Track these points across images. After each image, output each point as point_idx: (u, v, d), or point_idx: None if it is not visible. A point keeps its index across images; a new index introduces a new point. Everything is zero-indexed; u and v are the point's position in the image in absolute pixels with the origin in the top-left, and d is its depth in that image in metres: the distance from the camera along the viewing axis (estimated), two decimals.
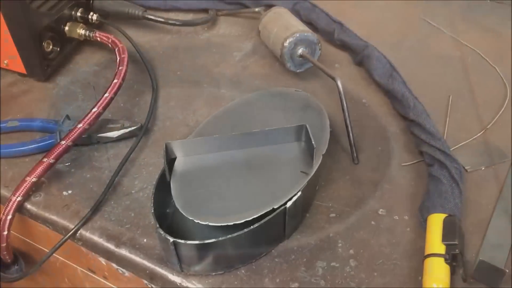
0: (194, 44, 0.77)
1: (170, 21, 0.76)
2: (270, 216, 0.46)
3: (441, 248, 0.47)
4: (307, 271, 0.48)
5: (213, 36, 0.79)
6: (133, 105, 0.66)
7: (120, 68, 0.63)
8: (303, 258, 0.49)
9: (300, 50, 0.65)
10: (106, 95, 0.59)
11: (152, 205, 0.48)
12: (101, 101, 0.59)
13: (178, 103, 0.66)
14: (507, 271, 0.44)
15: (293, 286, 0.47)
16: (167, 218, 0.51)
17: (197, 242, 0.44)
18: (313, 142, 0.49)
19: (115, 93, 0.60)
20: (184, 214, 0.47)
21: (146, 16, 0.75)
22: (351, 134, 0.57)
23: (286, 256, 0.49)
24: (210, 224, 0.46)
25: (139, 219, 0.52)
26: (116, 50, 0.67)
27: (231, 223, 0.45)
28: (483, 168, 0.57)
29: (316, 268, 0.48)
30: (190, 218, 0.46)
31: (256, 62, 0.73)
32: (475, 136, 0.61)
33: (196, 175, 0.51)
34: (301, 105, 0.57)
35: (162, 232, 0.45)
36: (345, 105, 0.56)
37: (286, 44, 0.64)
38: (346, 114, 0.56)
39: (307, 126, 0.51)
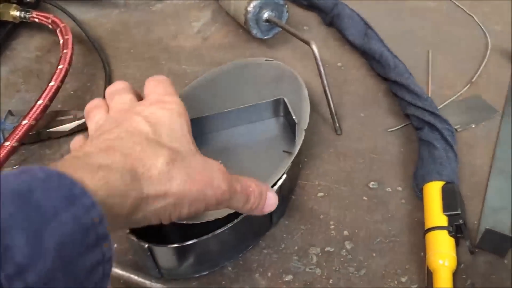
0: (146, 17, 0.69)
1: None
2: None
3: (443, 220, 0.43)
4: (300, 260, 0.44)
5: (166, 6, 0.71)
6: (84, 91, 0.59)
7: (64, 51, 0.55)
8: (294, 246, 0.45)
9: (266, 14, 0.59)
10: (52, 83, 0.52)
11: None
12: (47, 91, 0.51)
13: (135, 84, 0.58)
14: None
15: (287, 279, 0.42)
16: None
17: (175, 245, 0.39)
18: (294, 117, 0.44)
19: (62, 81, 0.53)
20: None
21: None
22: (331, 103, 0.52)
23: (276, 246, 0.45)
24: (189, 222, 0.40)
25: None
26: (58, 31, 0.59)
27: (213, 219, 0.40)
28: (473, 126, 0.53)
29: (309, 255, 0.44)
30: None
31: (217, 31, 0.66)
32: (461, 92, 0.57)
33: None
34: (274, 75, 0.51)
35: (134, 238, 0.39)
36: (322, 71, 0.50)
37: (250, 8, 0.58)
38: (325, 81, 0.51)
39: (285, 99, 0.46)
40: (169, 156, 0.33)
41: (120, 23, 0.68)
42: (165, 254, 0.40)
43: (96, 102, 0.40)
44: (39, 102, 0.50)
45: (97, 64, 0.62)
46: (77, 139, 0.39)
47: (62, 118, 0.53)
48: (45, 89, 0.51)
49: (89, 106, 0.40)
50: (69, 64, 0.54)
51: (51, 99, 0.51)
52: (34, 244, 0.22)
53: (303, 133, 0.45)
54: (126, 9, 0.71)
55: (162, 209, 0.32)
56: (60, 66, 0.53)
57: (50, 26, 0.61)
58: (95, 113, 0.39)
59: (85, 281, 0.25)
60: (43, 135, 0.53)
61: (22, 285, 0.22)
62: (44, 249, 0.23)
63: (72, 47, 0.56)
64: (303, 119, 0.46)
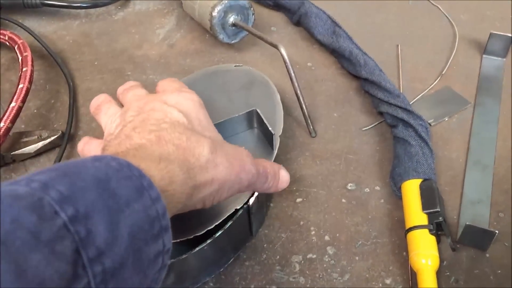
0: (108, 26, 0.67)
1: (74, 4, 0.65)
2: (233, 219, 0.40)
3: (422, 219, 0.43)
4: (282, 269, 0.43)
5: (128, 14, 0.69)
6: (49, 109, 0.57)
7: (24, 69, 0.53)
8: (276, 255, 0.44)
9: (232, 19, 0.57)
10: (12, 104, 0.50)
11: None
12: (8, 113, 0.49)
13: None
14: (496, 232, 0.40)
15: None
16: None
17: None
18: (270, 129, 0.43)
19: (24, 100, 0.51)
20: None
21: (45, 2, 0.64)
22: (304, 106, 0.51)
23: (257, 257, 0.44)
24: None
25: None
26: (16, 47, 0.56)
27: (191, 236, 0.39)
28: (446, 119, 0.53)
29: (292, 264, 0.43)
30: None
31: (183, 37, 0.65)
32: (432, 85, 0.57)
33: None
34: (245, 82, 0.50)
35: None
36: (293, 74, 0.50)
37: (214, 13, 0.56)
38: (296, 84, 0.50)
39: (258, 110, 0.44)
40: (211, 144, 0.34)
41: (82, 34, 0.66)
42: None
43: (103, 96, 0.41)
44: (1, 124, 0.48)
45: (60, 80, 0.59)
46: (86, 139, 0.41)
47: (27, 139, 0.51)
48: (6, 110, 0.49)
49: (96, 101, 0.41)
50: (30, 82, 0.52)
51: (13, 121, 0.49)
52: (112, 230, 0.24)
53: (278, 140, 0.44)
54: (87, 19, 0.68)
55: (209, 195, 0.34)
56: (20, 86, 0.51)
57: (7, 43, 0.58)
58: (107, 107, 0.40)
59: (148, 269, 0.26)
60: (7, 159, 0.51)
61: (100, 269, 0.23)
62: (120, 236, 0.24)
63: (32, 64, 0.54)
64: (277, 126, 0.45)
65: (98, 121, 0.41)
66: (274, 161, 0.44)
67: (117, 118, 0.38)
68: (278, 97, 0.47)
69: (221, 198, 0.36)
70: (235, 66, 0.52)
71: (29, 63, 0.54)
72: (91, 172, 0.25)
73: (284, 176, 0.41)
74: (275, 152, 0.43)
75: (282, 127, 0.45)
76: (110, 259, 0.23)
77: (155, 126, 0.34)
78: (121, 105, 0.41)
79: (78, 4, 0.65)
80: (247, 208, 0.41)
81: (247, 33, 0.59)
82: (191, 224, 0.40)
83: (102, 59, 0.62)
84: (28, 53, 0.54)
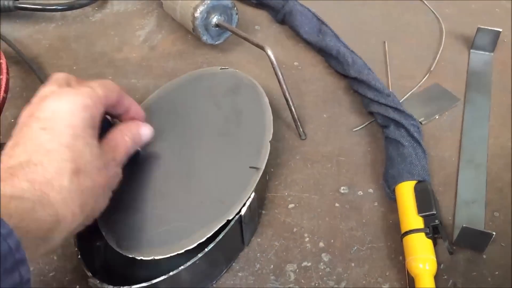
0: (86, 29, 0.65)
1: (49, 7, 0.62)
2: (225, 231, 0.38)
3: (418, 222, 0.42)
4: (277, 279, 0.42)
5: (106, 16, 0.66)
6: None
7: None
8: (270, 264, 0.42)
9: (215, 19, 0.55)
10: None
11: (75, 245, 0.38)
12: None
13: None
14: (494, 233, 0.40)
15: None
16: (100, 254, 0.42)
17: (144, 285, 0.36)
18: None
19: (0, 111, 0.48)
20: (121, 252, 0.38)
21: (19, 5, 0.61)
22: (292, 108, 0.49)
23: (250, 267, 0.42)
24: (157, 258, 0.37)
25: (65, 262, 0.43)
26: None
27: (182, 251, 0.37)
28: (437, 117, 0.53)
29: (286, 273, 0.42)
30: (131, 256, 0.38)
31: (164, 39, 0.63)
32: (421, 82, 0.56)
33: (125, 195, 0.41)
34: (231, 85, 0.48)
35: (97, 282, 0.36)
36: (281, 76, 0.48)
37: (197, 14, 0.54)
38: (284, 86, 0.48)
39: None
40: (72, 169, 0.33)
41: (59, 38, 0.63)
42: None
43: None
44: None
45: (37, 86, 0.56)
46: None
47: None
48: None
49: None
50: (6, 92, 0.49)
51: None
52: None
53: (269, 145, 0.43)
54: (64, 22, 0.66)
55: (79, 226, 0.35)
56: None
57: None
58: None
59: None
60: None
61: None
62: None
63: (7, 72, 0.51)
64: (267, 130, 0.44)
65: None
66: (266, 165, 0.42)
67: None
68: (267, 100, 0.46)
69: (86, 224, 0.36)
70: (220, 69, 0.50)
71: (4, 71, 0.51)
72: None
73: (145, 135, 0.42)
74: (264, 158, 0.42)
75: (272, 131, 0.44)
76: None
77: (16, 157, 0.33)
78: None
79: (54, 7, 0.63)
80: (239, 218, 0.39)
81: (231, 33, 0.57)
82: (181, 236, 0.38)
83: (81, 64, 0.60)
84: (3, 61, 0.52)
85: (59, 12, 0.66)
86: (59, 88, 0.37)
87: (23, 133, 0.35)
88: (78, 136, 0.35)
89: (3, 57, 0.53)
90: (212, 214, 0.39)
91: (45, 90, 0.38)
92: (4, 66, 0.51)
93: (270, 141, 0.43)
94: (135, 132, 0.41)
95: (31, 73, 0.58)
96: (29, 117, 0.35)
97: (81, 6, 0.64)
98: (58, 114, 0.35)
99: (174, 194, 0.42)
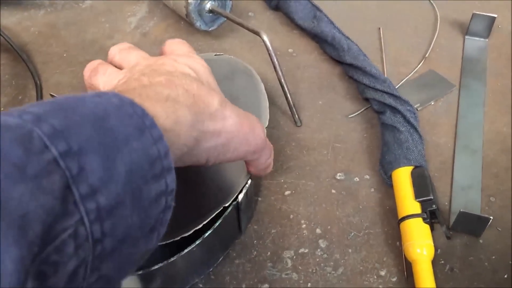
0: (76, 16, 0.63)
1: None
2: (222, 218, 0.38)
3: (415, 207, 0.41)
4: (274, 266, 0.41)
5: (97, 2, 0.65)
6: (16, 105, 0.53)
7: None
8: (267, 251, 0.42)
9: (208, 5, 0.54)
10: None
11: None
12: None
13: (73, 92, 0.54)
14: (491, 218, 0.40)
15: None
16: None
17: (140, 272, 0.35)
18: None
19: None
20: None
21: None
22: (288, 94, 0.49)
23: (247, 254, 0.42)
24: None
25: None
26: None
27: (178, 238, 0.37)
28: (432, 103, 0.52)
29: (284, 260, 0.42)
30: None
31: (157, 25, 0.62)
32: (416, 68, 0.56)
33: None
34: (227, 71, 0.48)
35: None
36: (276, 62, 0.47)
37: (190, 0, 0.53)
38: (280, 72, 0.48)
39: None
40: (221, 98, 0.33)
41: (48, 25, 0.62)
42: (129, 282, 0.36)
43: (100, 60, 0.38)
44: None
45: (27, 74, 0.56)
46: (95, 65, 0.37)
47: None
48: None
49: (91, 65, 0.38)
50: None
51: None
52: (107, 168, 0.23)
53: (265, 132, 0.42)
54: (53, 8, 0.64)
55: (214, 147, 0.33)
56: None
57: None
58: (105, 68, 0.37)
59: (149, 209, 0.26)
60: None
61: (94, 206, 0.22)
62: (116, 174, 0.23)
63: None
64: (264, 117, 0.43)
65: (93, 86, 0.37)
66: None
67: (120, 74, 0.35)
68: (263, 87, 0.45)
69: (224, 158, 0.35)
70: (215, 55, 0.49)
71: None
72: (89, 107, 0.24)
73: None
74: None
75: (268, 118, 0.43)
76: (104, 197, 0.23)
77: (165, 75, 0.32)
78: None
79: None
80: (236, 205, 0.39)
81: (225, 19, 0.56)
82: (177, 223, 0.38)
83: (71, 51, 0.59)
84: None
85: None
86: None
87: (162, 62, 0.34)
88: (218, 90, 0.36)
89: None
90: (208, 200, 0.39)
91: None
92: None
93: (266, 128, 0.43)
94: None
95: (21, 61, 0.57)
96: (160, 57, 0.36)
97: None
98: (198, 68, 0.35)
99: None
